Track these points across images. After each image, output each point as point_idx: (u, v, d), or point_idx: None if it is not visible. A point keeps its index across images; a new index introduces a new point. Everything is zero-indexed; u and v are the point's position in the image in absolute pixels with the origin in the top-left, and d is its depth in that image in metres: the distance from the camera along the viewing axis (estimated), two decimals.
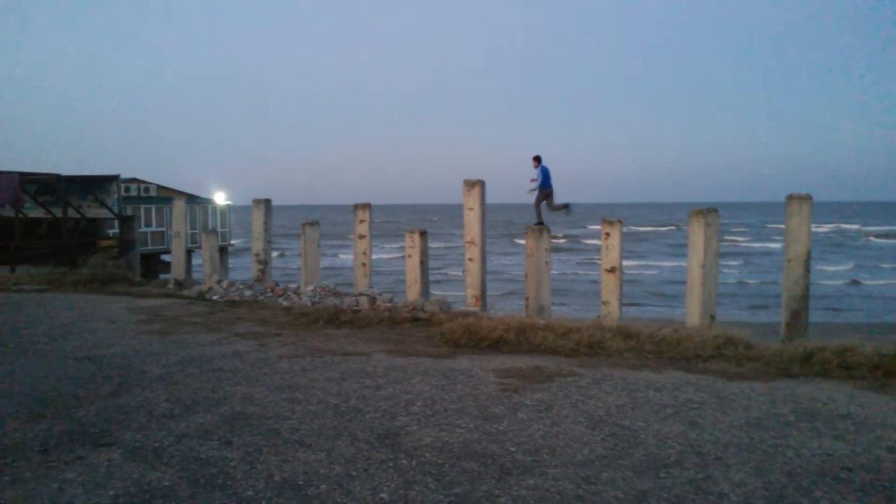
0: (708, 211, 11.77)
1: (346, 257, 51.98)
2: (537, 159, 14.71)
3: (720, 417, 5.61)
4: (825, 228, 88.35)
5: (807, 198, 10.81)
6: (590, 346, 8.20)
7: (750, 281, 40.54)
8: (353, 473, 4.39)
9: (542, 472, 4.41)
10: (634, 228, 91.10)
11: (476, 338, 8.60)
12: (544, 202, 14.94)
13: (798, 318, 10.78)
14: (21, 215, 22.36)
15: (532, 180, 14.61)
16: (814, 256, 12.19)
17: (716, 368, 7.40)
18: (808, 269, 10.80)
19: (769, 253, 57.50)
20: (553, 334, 8.48)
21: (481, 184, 13.69)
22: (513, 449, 4.82)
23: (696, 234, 11.75)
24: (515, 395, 6.21)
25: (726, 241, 66.83)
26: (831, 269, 45.95)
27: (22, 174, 20.66)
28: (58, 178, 21.39)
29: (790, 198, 10.90)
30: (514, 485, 4.20)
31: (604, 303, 12.64)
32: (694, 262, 11.75)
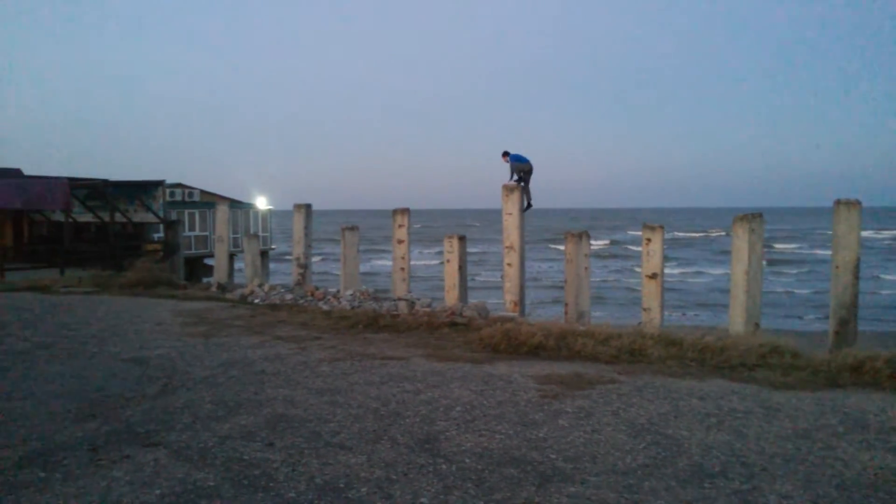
0: (752, 216, 11.54)
1: (380, 263, 52.22)
2: (506, 154, 14.30)
3: (766, 427, 5.49)
4: (884, 235, 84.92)
5: (855, 203, 10.54)
6: (631, 353, 8.10)
7: (798, 291, 39.62)
8: (394, 477, 4.41)
9: (582, 479, 4.37)
10: (680, 234, 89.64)
11: (515, 343, 8.56)
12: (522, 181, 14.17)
13: (846, 327, 10.50)
14: (70, 219, 23.04)
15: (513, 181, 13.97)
16: (874, 264, 11.83)
17: (761, 377, 7.23)
18: (857, 277, 10.51)
19: (824, 261, 56.05)
20: (593, 341, 8.40)
21: (520, 189, 13.65)
22: (553, 456, 4.79)
23: (741, 240, 11.54)
24: (555, 401, 6.16)
25: (776, 248, 65.30)
26: (890, 277, 44.29)
27: (71, 180, 21.30)
28: (105, 183, 22.00)
29: (838, 203, 10.63)
30: (555, 492, 4.17)
31: (645, 309, 12.48)
32: (738, 269, 11.53)
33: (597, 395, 6.40)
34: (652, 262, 12.40)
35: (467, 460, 4.71)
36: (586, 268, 13.63)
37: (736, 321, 11.47)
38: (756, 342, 8.39)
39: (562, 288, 13.14)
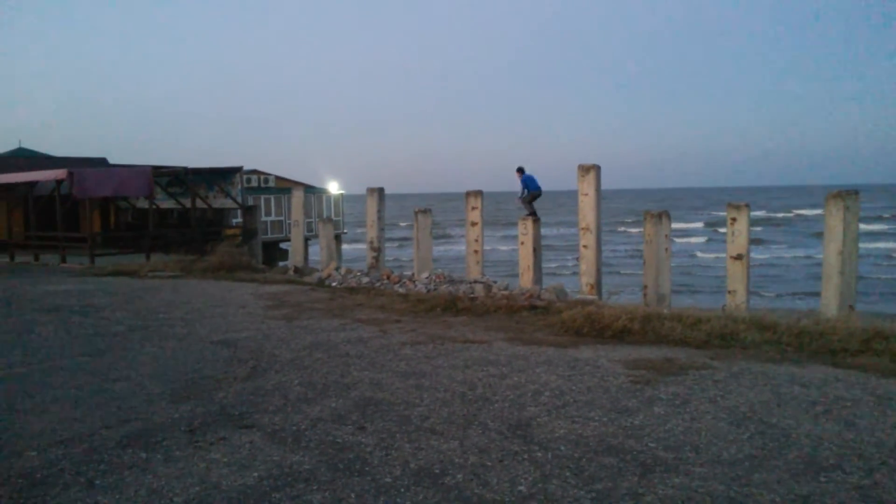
0: (847, 193, 10.96)
1: (442, 248, 52.16)
2: (520, 171, 15.01)
3: (879, 418, 5.14)
4: None
5: None
6: (722, 337, 7.77)
7: (884, 276, 37.62)
8: (488, 464, 4.32)
9: (686, 470, 4.18)
10: (760, 213, 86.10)
11: (598, 327, 8.35)
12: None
13: None
14: (154, 206, 23.86)
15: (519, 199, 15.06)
16: None
17: (866, 363, 6.82)
18: None
19: None
20: (681, 325, 8.10)
21: (596, 168, 13.31)
22: (652, 445, 4.60)
23: (834, 219, 10.98)
24: (648, 387, 5.95)
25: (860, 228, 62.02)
26: None
27: (154, 168, 22.02)
28: (186, 170, 22.66)
29: None
30: (659, 483, 3.99)
31: (729, 292, 12.05)
32: (831, 249, 10.98)
33: (691, 381, 6.15)
34: (737, 242, 11.95)
35: (562, 448, 4.57)
36: (667, 249, 13.24)
37: (829, 304, 10.94)
38: (857, 326, 7.93)
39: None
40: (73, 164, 23.27)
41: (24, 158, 29.72)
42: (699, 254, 49.42)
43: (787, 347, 7.47)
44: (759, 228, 63.01)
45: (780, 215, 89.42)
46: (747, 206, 12.07)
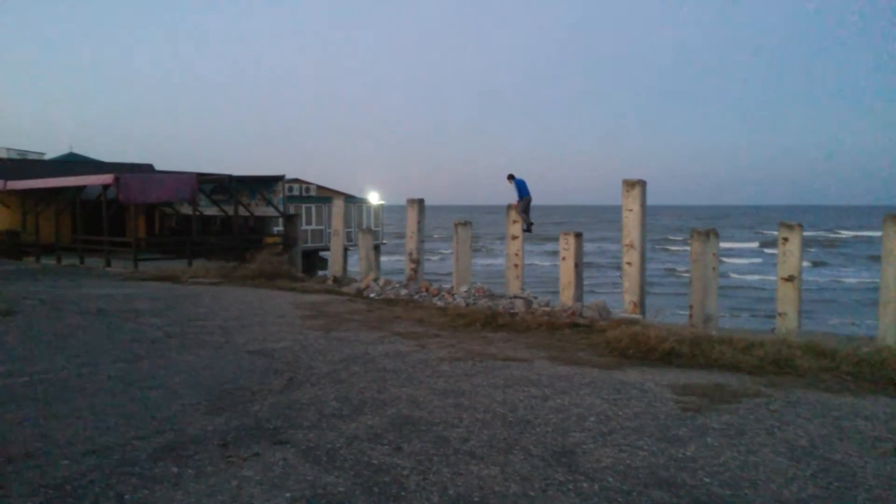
0: None
1: (483, 262, 51.89)
2: (511, 177, 15.02)
3: None
4: None
5: None
6: (776, 363, 7.39)
7: None
8: (531, 494, 4.09)
9: None
10: (827, 235, 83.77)
11: (644, 348, 8.04)
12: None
13: None
14: (198, 213, 24.16)
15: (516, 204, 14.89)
16: None
17: None
18: None
19: None
20: (732, 349, 7.75)
21: (642, 184, 13.00)
22: (707, 479, 4.32)
23: (892, 241, 10.52)
24: (699, 415, 5.65)
25: None
26: None
27: (199, 174, 22.31)
28: (230, 178, 22.90)
29: None
30: None
31: (779, 314, 11.63)
32: (889, 272, 10.50)
33: (744, 410, 5.82)
34: (789, 263, 11.55)
35: (610, 479, 4.32)
36: (714, 268, 12.85)
37: (887, 331, 10.45)
38: None
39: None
40: (121, 170, 23.72)
41: (73, 163, 30.47)
42: (732, 275, 48.04)
43: (846, 376, 7.07)
44: (812, 250, 61.39)
45: (834, 236, 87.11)
46: (800, 226, 11.66)
